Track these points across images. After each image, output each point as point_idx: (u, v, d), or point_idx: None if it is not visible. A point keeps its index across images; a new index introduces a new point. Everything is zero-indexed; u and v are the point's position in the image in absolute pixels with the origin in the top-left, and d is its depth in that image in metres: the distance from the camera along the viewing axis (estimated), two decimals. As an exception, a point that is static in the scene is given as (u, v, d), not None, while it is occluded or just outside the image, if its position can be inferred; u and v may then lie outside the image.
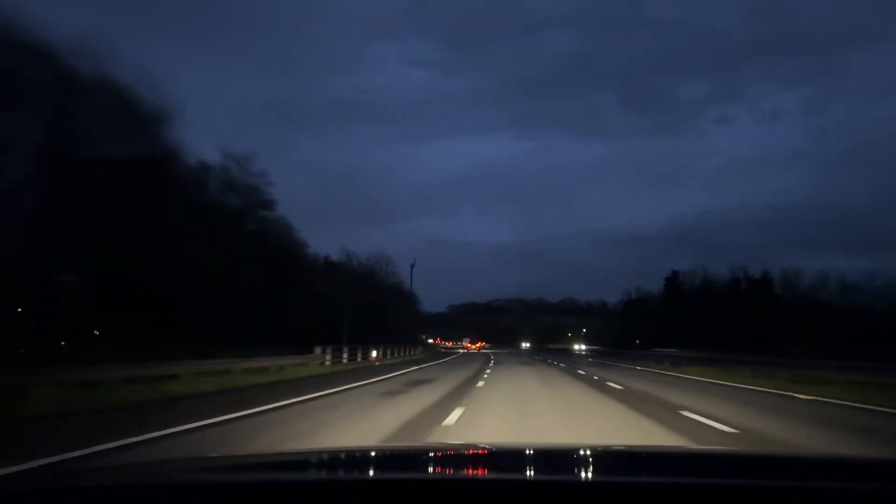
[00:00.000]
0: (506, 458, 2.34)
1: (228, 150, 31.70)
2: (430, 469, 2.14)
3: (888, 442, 8.04)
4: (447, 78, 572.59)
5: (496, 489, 1.54)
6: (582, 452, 2.34)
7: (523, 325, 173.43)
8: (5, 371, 10.84)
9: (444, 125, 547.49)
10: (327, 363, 25.03)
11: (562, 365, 33.69)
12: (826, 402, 12.71)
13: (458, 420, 9.02)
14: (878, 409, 11.41)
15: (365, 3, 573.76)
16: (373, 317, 45.71)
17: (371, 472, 2.06)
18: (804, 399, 13.37)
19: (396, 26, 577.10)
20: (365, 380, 17.97)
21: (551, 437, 7.48)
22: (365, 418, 9.29)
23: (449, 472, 2.06)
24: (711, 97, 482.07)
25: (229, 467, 2.18)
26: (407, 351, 45.97)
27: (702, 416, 9.64)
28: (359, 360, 30.32)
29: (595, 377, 20.54)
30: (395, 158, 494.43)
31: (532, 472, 1.86)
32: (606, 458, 2.32)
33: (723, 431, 8.09)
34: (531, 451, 2.39)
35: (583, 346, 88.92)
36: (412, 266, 59.70)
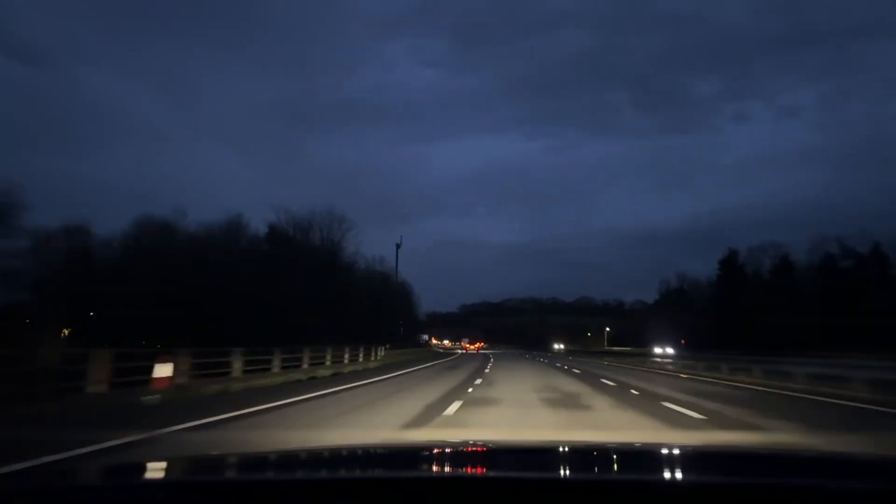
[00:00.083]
0: (504, 456, 2.40)
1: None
2: (430, 467, 2.18)
3: None
4: (458, 77, 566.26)
5: (496, 487, 1.54)
6: (580, 450, 2.50)
7: (538, 326, 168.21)
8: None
9: (456, 124, 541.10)
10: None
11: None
12: None
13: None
14: None
15: (373, 3, 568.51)
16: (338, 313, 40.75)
17: (371, 471, 2.13)
18: None
19: (406, 25, 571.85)
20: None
21: None
22: None
23: (448, 469, 2.07)
24: (726, 94, 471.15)
25: (229, 467, 2.21)
26: (361, 356, 29.55)
27: None
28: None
29: None
30: (406, 158, 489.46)
31: (532, 471, 1.94)
32: (606, 456, 2.33)
33: None
34: (529, 449, 2.67)
35: (668, 349, 54.98)
36: (398, 246, 52.22)
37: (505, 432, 8.12)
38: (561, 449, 2.45)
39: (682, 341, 61.68)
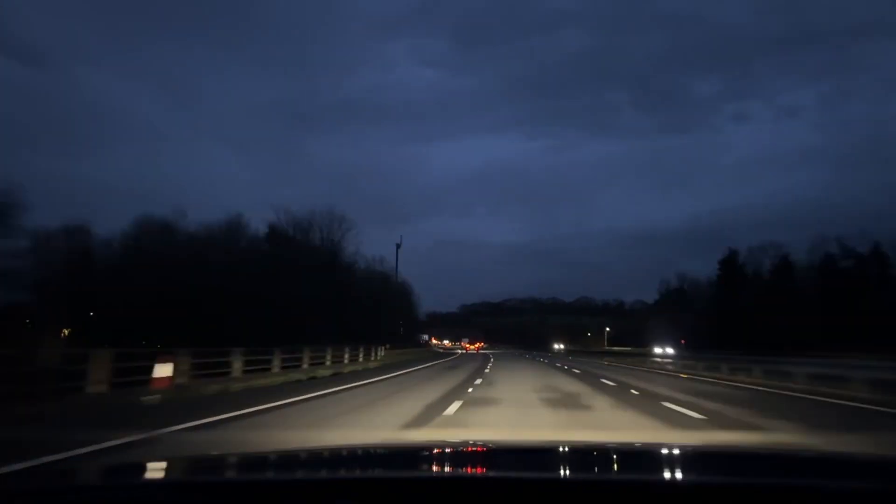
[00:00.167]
0: (504, 456, 2.40)
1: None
2: (430, 467, 2.17)
3: None
4: (457, 77, 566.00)
5: (496, 487, 1.54)
6: (580, 450, 2.50)
7: (538, 326, 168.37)
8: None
9: (456, 124, 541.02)
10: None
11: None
12: None
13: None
14: None
15: (373, 3, 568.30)
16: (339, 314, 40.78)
17: (371, 471, 2.13)
18: None
19: (406, 25, 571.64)
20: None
21: None
22: None
23: (448, 469, 2.07)
24: (726, 94, 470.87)
25: (229, 467, 2.21)
26: (361, 355, 29.70)
27: None
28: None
29: None
30: (406, 158, 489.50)
31: (532, 471, 1.95)
32: (605, 456, 2.32)
33: None
34: (529, 449, 2.68)
35: (668, 349, 55.35)
36: (398, 246, 52.24)
37: (505, 432, 8.11)
38: (561, 449, 2.44)
39: (682, 341, 61.63)
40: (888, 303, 48.15)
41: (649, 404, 11.74)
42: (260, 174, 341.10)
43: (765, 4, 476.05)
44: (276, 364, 18.96)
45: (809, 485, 1.64)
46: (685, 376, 23.56)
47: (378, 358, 33.58)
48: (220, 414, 9.26)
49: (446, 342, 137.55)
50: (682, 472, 1.91)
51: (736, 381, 19.68)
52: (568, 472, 1.89)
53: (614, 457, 2.32)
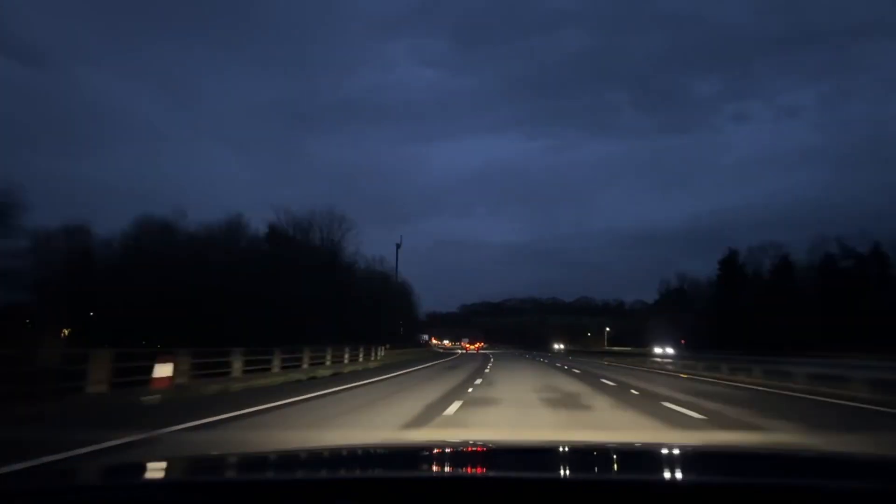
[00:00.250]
0: (504, 456, 2.40)
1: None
2: (430, 467, 2.17)
3: None
4: (457, 77, 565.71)
5: (496, 487, 1.54)
6: (580, 450, 2.50)
7: (538, 326, 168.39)
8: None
9: (456, 124, 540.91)
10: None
11: None
12: None
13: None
14: None
15: (373, 3, 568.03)
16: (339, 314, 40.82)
17: (371, 471, 2.14)
18: None
19: (406, 25, 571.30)
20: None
21: None
22: None
23: (448, 469, 2.08)
24: (726, 94, 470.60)
25: (229, 467, 2.21)
26: (361, 356, 29.51)
27: None
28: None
29: None
30: (406, 158, 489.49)
31: (532, 471, 1.95)
32: (605, 456, 2.32)
33: None
34: (529, 449, 2.68)
35: (668, 349, 54.85)
36: (398, 246, 52.22)
37: (505, 432, 8.12)
38: (561, 449, 2.45)
39: (682, 341, 61.53)
40: (888, 303, 48.14)
41: (649, 404, 11.74)
42: (260, 174, 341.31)
43: (765, 4, 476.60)
44: (276, 364, 18.96)
45: (809, 485, 1.63)
46: (685, 376, 23.56)
47: (378, 358, 33.57)
48: (220, 414, 9.26)
49: (446, 342, 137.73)
50: (682, 472, 1.90)
51: (736, 381, 19.68)
52: (568, 472, 1.89)
53: (614, 457, 2.32)
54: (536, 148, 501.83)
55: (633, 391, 15.23)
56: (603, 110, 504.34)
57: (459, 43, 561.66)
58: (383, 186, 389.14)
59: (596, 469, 2.13)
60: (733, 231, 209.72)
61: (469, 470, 2.17)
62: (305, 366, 21.43)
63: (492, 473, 1.91)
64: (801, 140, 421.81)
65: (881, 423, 10.22)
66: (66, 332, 42.93)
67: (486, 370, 25.83)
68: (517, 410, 10.65)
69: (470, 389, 15.04)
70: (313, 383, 16.82)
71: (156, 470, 2.06)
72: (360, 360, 29.44)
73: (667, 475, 1.80)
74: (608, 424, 9.01)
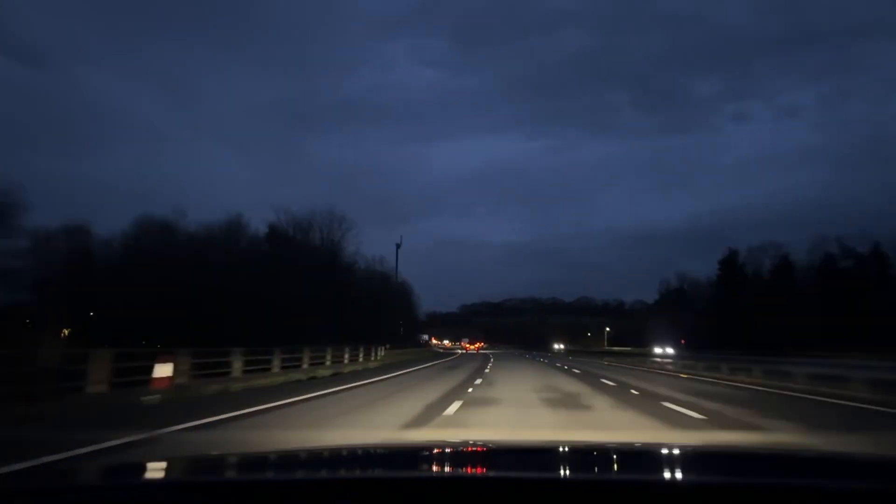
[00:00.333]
0: (504, 456, 2.41)
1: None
2: (430, 467, 2.18)
3: None
4: (458, 77, 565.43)
5: (496, 487, 1.55)
6: (580, 450, 2.51)
7: (538, 326, 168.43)
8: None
9: (456, 124, 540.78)
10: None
11: None
12: None
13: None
14: None
15: (373, 3, 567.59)
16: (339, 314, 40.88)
17: (371, 471, 2.14)
18: None
19: (406, 25, 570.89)
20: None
21: None
22: None
23: (448, 469, 2.08)
24: (726, 94, 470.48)
25: (229, 467, 2.21)
26: (361, 356, 29.46)
27: None
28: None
29: None
30: (406, 158, 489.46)
31: (532, 471, 1.95)
32: (605, 456, 2.33)
33: None
34: (529, 449, 2.68)
35: (668, 349, 54.53)
36: (398, 246, 52.22)
37: (505, 432, 8.12)
38: (561, 449, 2.45)
39: (682, 341, 61.37)
40: (888, 303, 48.13)
41: (649, 404, 11.74)
42: (260, 174, 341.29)
43: (765, 4, 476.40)
44: (276, 364, 18.95)
45: (809, 485, 1.63)
46: (685, 376, 23.56)
47: (378, 358, 33.55)
48: (220, 414, 9.26)
49: (446, 342, 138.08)
50: (682, 472, 1.90)
51: (736, 381, 19.67)
52: (568, 472, 1.89)
53: (614, 457, 2.32)
54: (536, 148, 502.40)
55: (632, 391, 15.23)
56: (603, 110, 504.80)
57: (459, 43, 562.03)
58: (383, 186, 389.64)
59: (596, 469, 2.13)
60: (733, 231, 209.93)
61: (469, 470, 2.17)
62: (305, 366, 21.41)
63: (492, 473, 1.90)
64: (801, 140, 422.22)
65: (881, 423, 10.21)
66: (66, 332, 42.92)
67: (486, 370, 25.80)
68: (517, 410, 10.64)
69: (470, 389, 15.03)
70: (313, 383, 16.82)
71: (156, 470, 2.06)
72: (360, 360, 29.43)
73: (667, 475, 1.79)
74: (608, 424, 9.01)
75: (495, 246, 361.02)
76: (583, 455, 2.39)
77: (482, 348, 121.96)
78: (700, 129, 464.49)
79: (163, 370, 12.16)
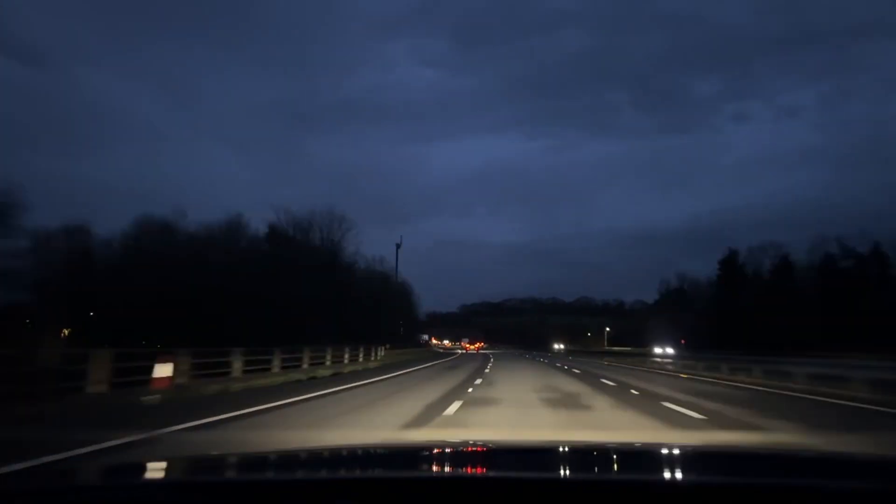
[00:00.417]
0: (504, 456, 2.40)
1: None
2: (430, 467, 2.18)
3: None
4: (457, 77, 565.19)
5: (496, 487, 1.55)
6: (580, 450, 2.52)
7: (538, 326, 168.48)
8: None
9: (456, 124, 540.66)
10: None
11: None
12: None
13: None
14: None
15: (373, 3, 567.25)
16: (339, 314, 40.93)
17: (371, 471, 2.14)
18: None
19: (406, 25, 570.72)
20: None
21: None
22: None
23: (448, 469, 2.08)
24: (726, 94, 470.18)
25: (229, 467, 2.22)
26: (361, 356, 29.50)
27: None
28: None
29: None
30: (406, 158, 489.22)
31: (532, 471, 1.96)
32: (605, 456, 2.33)
33: None
34: (529, 449, 2.69)
35: (668, 349, 54.17)
36: (398, 246, 52.24)
37: (505, 432, 8.12)
38: (561, 449, 2.45)
39: (682, 341, 61.23)
40: (888, 303, 48.14)
41: (649, 404, 11.74)
42: (260, 174, 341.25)
43: (765, 4, 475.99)
44: (276, 364, 18.95)
45: (809, 485, 1.63)
46: (685, 376, 23.55)
47: (378, 358, 33.54)
48: (220, 414, 9.26)
49: (446, 342, 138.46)
50: (682, 472, 1.90)
51: (736, 381, 19.67)
52: (568, 472, 1.89)
53: (614, 457, 2.32)
54: (536, 148, 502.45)
55: (633, 391, 15.23)
56: (603, 110, 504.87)
57: (459, 43, 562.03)
58: (383, 186, 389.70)
59: (596, 469, 2.13)
60: (733, 231, 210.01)
61: (469, 470, 2.17)
62: (305, 366, 21.40)
63: (492, 473, 1.91)
64: (801, 140, 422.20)
65: (881, 422, 10.22)
66: (66, 332, 42.92)
67: (486, 370, 25.76)
68: (517, 410, 10.64)
69: (470, 389, 15.02)
70: (313, 383, 16.82)
71: (156, 470, 2.06)
72: (360, 360, 29.43)
73: (667, 475, 1.79)
74: (608, 424, 9.01)
75: (495, 246, 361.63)
76: (582, 455, 2.38)
77: (482, 348, 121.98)
78: (700, 129, 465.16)
79: (163, 370, 12.16)
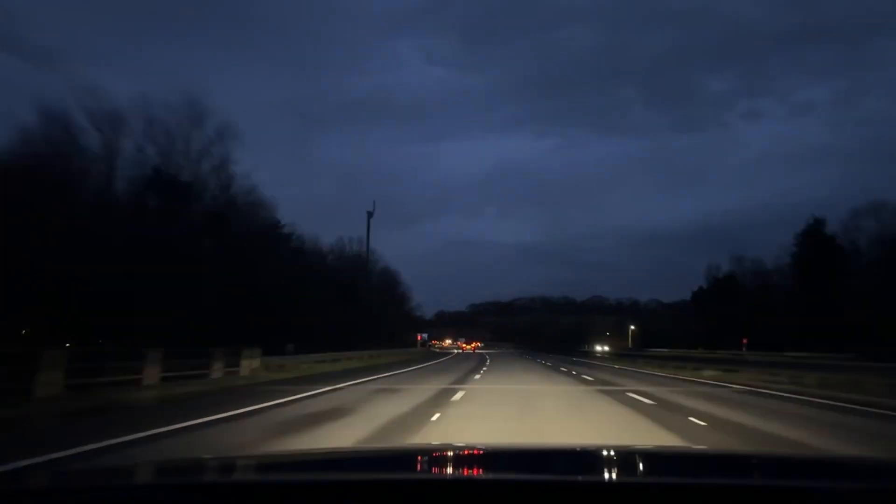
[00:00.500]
0: (501, 459, 2.40)
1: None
2: (427, 470, 2.16)
3: None
4: (466, 75, 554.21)
5: (493, 489, 1.57)
6: (577, 452, 2.56)
7: (550, 325, 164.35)
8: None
9: (464, 124, 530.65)
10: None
11: None
12: None
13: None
14: None
15: (381, 1, 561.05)
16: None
17: (368, 473, 2.09)
18: None
19: (413, 23, 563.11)
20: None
21: None
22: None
23: (445, 472, 2.08)
24: (738, 91, 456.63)
25: (229, 467, 2.27)
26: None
27: None
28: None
29: None
30: (415, 158, 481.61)
31: (531, 473, 1.97)
32: (602, 458, 2.34)
33: None
34: (526, 452, 2.65)
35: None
36: (369, 214, 45.21)
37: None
38: (561, 452, 2.59)
39: (744, 341, 47.36)
40: None
41: None
42: (262, 174, 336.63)
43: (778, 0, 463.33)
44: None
45: (808, 486, 1.67)
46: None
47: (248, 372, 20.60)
48: None
49: (447, 342, 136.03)
50: (682, 475, 1.98)
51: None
52: (567, 475, 1.88)
53: (610, 457, 2.34)
54: (547, 147, 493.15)
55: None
56: (613, 108, 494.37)
57: (468, 41, 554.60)
58: (392, 187, 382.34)
59: (594, 472, 2.05)
60: (747, 229, 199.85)
61: (465, 472, 2.23)
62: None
63: (489, 476, 1.94)
64: (816, 137, 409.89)
65: None
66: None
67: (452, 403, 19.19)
68: None
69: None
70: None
71: (155, 470, 2.12)
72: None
73: (666, 477, 1.90)
74: None
75: (505, 245, 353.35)
76: (581, 458, 2.39)
77: (478, 348, 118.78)
78: (711, 126, 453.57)
79: None
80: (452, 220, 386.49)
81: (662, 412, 11.22)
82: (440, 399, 13.12)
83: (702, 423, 9.84)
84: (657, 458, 2.39)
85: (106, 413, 10.40)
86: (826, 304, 46.70)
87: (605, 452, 2.47)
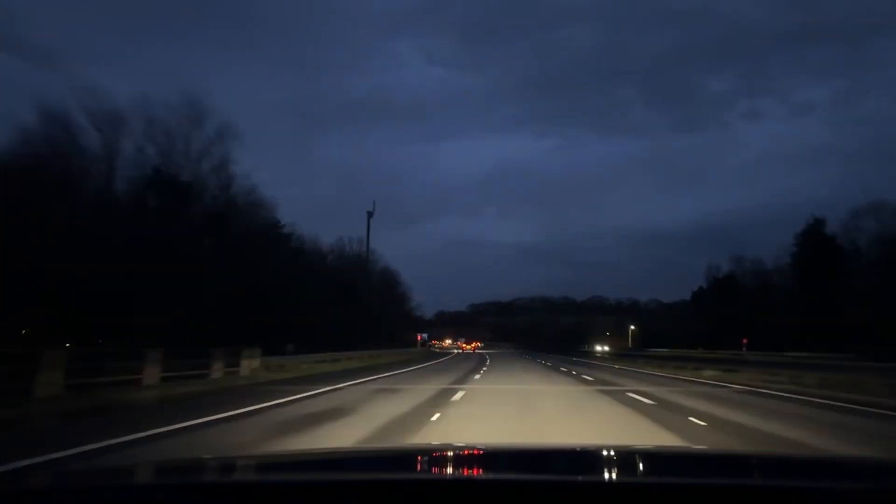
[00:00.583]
0: (501, 459, 2.40)
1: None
2: (427, 470, 2.16)
3: None
4: (466, 75, 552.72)
5: (493, 489, 1.57)
6: (577, 452, 2.57)
7: (549, 325, 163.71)
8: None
9: (464, 124, 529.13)
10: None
11: None
12: None
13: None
14: None
15: (382, 1, 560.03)
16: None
17: (368, 473, 2.09)
18: None
19: (413, 23, 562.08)
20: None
21: None
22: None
23: (446, 472, 2.09)
24: (738, 91, 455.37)
25: (228, 467, 2.28)
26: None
27: None
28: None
29: None
30: (415, 158, 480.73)
31: (530, 473, 1.98)
32: (602, 458, 2.34)
33: None
34: (527, 452, 2.66)
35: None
36: (369, 214, 45.30)
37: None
38: (561, 452, 2.59)
39: (744, 341, 47.13)
40: None
41: None
42: (262, 174, 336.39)
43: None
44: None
45: (808, 486, 1.66)
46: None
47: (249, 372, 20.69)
48: None
49: (447, 341, 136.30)
50: (682, 475, 1.98)
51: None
52: (567, 475, 1.88)
53: (609, 457, 2.34)
54: (547, 147, 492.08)
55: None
56: (613, 108, 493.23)
57: (468, 41, 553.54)
58: (392, 187, 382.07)
59: (593, 472, 2.06)
60: (747, 229, 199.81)
61: (465, 472, 2.22)
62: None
63: (489, 476, 1.94)
64: (816, 137, 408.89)
65: None
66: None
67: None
68: None
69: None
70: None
71: (155, 470, 2.12)
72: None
73: (665, 477, 1.90)
74: None
75: (505, 245, 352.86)
76: (581, 458, 2.39)
77: (478, 348, 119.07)
78: (712, 127, 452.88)
79: None
80: (452, 220, 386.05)
81: (662, 412, 11.25)
82: (440, 399, 13.15)
83: (702, 423, 9.87)
84: (657, 458, 2.40)
85: (106, 413, 10.43)
86: (826, 304, 46.95)
87: (605, 452, 2.49)
